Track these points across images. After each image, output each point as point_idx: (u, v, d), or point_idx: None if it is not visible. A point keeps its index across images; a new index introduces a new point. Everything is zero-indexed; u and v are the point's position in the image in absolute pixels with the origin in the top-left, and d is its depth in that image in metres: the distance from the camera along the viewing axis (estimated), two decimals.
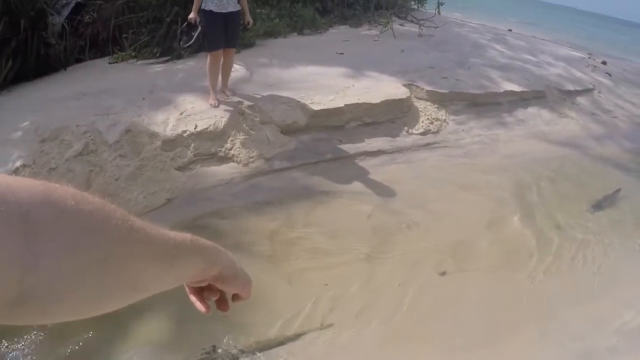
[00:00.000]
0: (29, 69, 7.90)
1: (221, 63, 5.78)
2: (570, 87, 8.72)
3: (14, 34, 7.70)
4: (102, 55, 8.99)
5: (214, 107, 5.63)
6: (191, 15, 5.55)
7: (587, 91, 9.00)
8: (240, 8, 5.72)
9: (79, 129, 5.25)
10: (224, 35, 5.59)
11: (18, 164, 4.98)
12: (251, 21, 6.03)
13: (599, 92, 9.25)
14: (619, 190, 5.86)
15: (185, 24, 5.71)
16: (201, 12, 5.55)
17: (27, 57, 7.86)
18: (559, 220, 5.07)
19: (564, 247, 4.65)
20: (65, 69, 8.33)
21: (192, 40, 5.70)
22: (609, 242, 4.85)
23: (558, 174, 6.15)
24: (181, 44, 5.78)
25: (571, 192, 5.79)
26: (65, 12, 9.61)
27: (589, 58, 12.74)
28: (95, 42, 9.24)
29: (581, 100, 8.60)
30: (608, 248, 4.75)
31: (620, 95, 9.59)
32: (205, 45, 5.85)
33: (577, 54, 12.98)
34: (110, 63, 8.42)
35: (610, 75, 10.80)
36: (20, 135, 5.37)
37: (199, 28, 5.62)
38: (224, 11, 5.51)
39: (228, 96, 5.88)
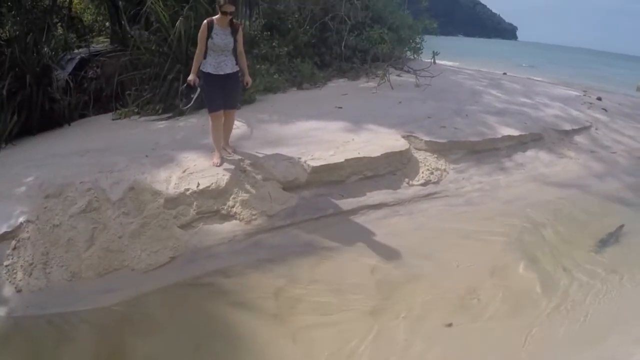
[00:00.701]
0: (33, 123, 8.09)
1: (222, 123, 5.86)
2: (567, 127, 8.79)
3: (19, 89, 7.84)
4: (105, 111, 9.15)
5: (217, 166, 5.69)
6: (190, 77, 5.66)
7: (584, 129, 9.07)
8: (238, 69, 5.84)
9: (82, 185, 5.31)
10: (223, 96, 5.70)
11: (22, 219, 5.02)
12: (250, 81, 6.07)
13: (596, 129, 9.33)
14: (622, 226, 5.84)
15: (185, 85, 5.81)
16: (200, 73, 5.67)
17: (32, 112, 8.04)
18: (564, 263, 5.05)
19: (570, 290, 4.61)
20: (69, 124, 8.49)
21: (192, 102, 5.79)
22: (615, 279, 4.82)
23: (560, 216, 6.14)
24: (181, 106, 5.87)
25: (575, 233, 5.77)
26: (70, 67, 9.82)
27: (584, 95, 12.94)
28: (98, 97, 9.42)
29: (579, 138, 8.66)
30: (615, 286, 4.72)
31: (618, 130, 9.65)
32: (206, 105, 5.92)
33: (573, 92, 13.19)
34: (113, 119, 8.55)
35: (606, 110, 10.92)
36: (24, 190, 5.43)
37: (198, 89, 5.71)
38: (222, 73, 5.64)
39: (230, 154, 5.95)
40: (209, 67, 5.62)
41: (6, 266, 4.79)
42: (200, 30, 5.56)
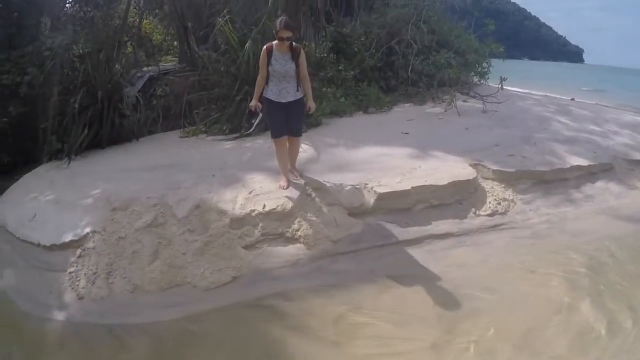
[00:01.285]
0: (103, 138, 8.38)
1: (287, 148, 5.82)
2: (638, 157, 8.36)
3: (91, 104, 8.10)
4: (173, 128, 9.34)
5: (284, 189, 5.69)
6: (251, 104, 5.64)
7: None
8: (302, 96, 5.68)
9: (149, 201, 5.43)
10: (287, 122, 5.63)
11: (88, 230, 5.23)
12: (313, 106, 5.81)
13: None
14: None
15: (248, 111, 5.81)
16: (263, 99, 5.64)
17: (103, 126, 8.31)
18: (633, 302, 4.76)
19: (635, 331, 4.33)
20: (137, 140, 8.71)
21: (253, 128, 5.74)
22: None
23: (631, 252, 5.82)
24: (242, 131, 5.80)
25: None
26: (139, 85, 10.10)
27: None
28: (166, 115, 9.64)
29: None
30: None
31: None
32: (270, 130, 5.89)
33: None
34: (181, 137, 8.73)
35: None
36: (91, 202, 5.62)
37: (260, 115, 5.72)
38: (284, 101, 5.55)
39: (297, 177, 5.94)
40: (271, 93, 5.57)
41: (70, 273, 4.98)
42: (261, 56, 5.51)
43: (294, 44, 5.48)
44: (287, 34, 5.24)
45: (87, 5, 11.85)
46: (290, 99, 5.56)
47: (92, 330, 4.46)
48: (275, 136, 5.68)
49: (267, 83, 5.57)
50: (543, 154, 7.57)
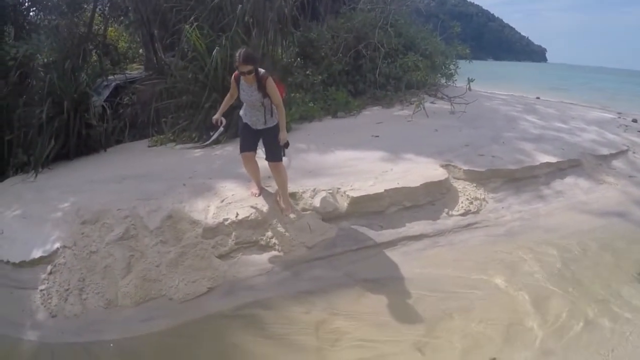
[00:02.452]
0: (70, 149, 8.23)
1: (254, 164, 5.63)
2: (605, 151, 8.60)
3: (57, 114, 7.96)
4: (141, 137, 9.23)
5: (256, 196, 5.66)
6: (214, 117, 5.48)
7: (621, 153, 8.85)
8: (274, 123, 5.34)
9: (120, 212, 5.34)
10: (253, 142, 5.46)
11: (57, 245, 5.11)
12: (284, 138, 5.29)
13: (634, 152, 9.10)
14: None
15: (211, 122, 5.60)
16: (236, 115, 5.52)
17: (69, 137, 8.16)
18: (605, 294, 4.89)
19: (615, 325, 4.42)
20: (105, 150, 8.57)
21: (210, 141, 5.57)
22: None
23: (602, 245, 5.96)
24: (200, 142, 5.59)
25: (618, 263, 5.58)
26: (105, 93, 9.98)
27: (619, 118, 12.76)
28: (133, 124, 9.53)
29: (617, 163, 8.46)
30: None
31: None
32: None
33: (607, 115, 13.03)
34: (149, 146, 8.63)
35: None
36: (60, 216, 5.49)
37: (221, 129, 5.56)
38: (254, 128, 5.35)
39: (287, 212, 5.60)
40: (243, 114, 5.39)
41: (41, 290, 4.84)
42: (231, 81, 5.32)
43: (260, 72, 5.07)
44: (247, 68, 4.91)
45: (52, 13, 11.63)
46: (260, 126, 5.33)
47: (68, 349, 4.33)
48: (240, 150, 5.52)
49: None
50: (512, 153, 7.71)
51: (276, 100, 5.19)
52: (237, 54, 4.93)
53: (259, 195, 5.67)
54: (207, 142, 5.55)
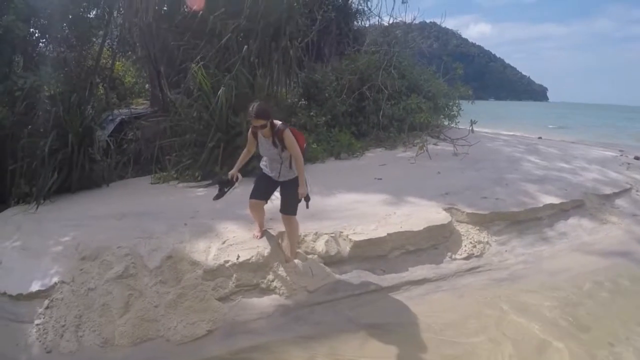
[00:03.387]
0: (73, 182, 8.20)
1: (260, 211, 5.62)
2: (608, 191, 8.57)
3: (61, 147, 7.96)
4: (144, 173, 9.24)
5: (257, 238, 5.63)
6: (231, 172, 5.36)
7: (624, 192, 8.83)
8: (294, 176, 5.29)
9: (120, 250, 5.32)
10: (267, 192, 5.47)
11: (56, 279, 5.06)
12: (303, 193, 5.20)
13: (637, 190, 9.08)
14: None
15: (225, 177, 5.47)
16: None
17: (72, 171, 8.13)
18: (613, 338, 4.83)
19: None
20: (107, 185, 8.56)
21: (222, 197, 5.47)
22: None
23: (607, 287, 5.94)
24: (213, 198, 5.52)
25: (624, 304, 5.55)
26: (110, 127, 10.01)
27: (621, 155, 12.77)
28: (137, 160, 9.53)
29: (620, 202, 8.43)
30: None
31: None
32: None
33: (609, 153, 13.03)
34: (152, 183, 8.63)
35: None
36: (60, 250, 5.47)
37: (236, 185, 5.37)
38: (275, 179, 5.34)
39: (289, 262, 5.54)
40: (263, 165, 5.41)
41: (37, 325, 4.80)
42: (248, 136, 5.29)
43: (276, 124, 5.03)
44: (260, 123, 4.89)
45: (61, 45, 11.76)
46: (282, 179, 5.31)
47: None
48: (251, 196, 5.46)
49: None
50: (515, 194, 7.70)
51: (295, 152, 5.09)
52: (249, 109, 4.89)
53: (261, 237, 5.64)
54: (219, 198, 5.41)
